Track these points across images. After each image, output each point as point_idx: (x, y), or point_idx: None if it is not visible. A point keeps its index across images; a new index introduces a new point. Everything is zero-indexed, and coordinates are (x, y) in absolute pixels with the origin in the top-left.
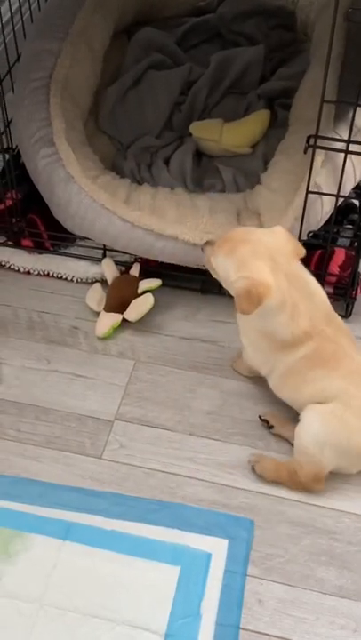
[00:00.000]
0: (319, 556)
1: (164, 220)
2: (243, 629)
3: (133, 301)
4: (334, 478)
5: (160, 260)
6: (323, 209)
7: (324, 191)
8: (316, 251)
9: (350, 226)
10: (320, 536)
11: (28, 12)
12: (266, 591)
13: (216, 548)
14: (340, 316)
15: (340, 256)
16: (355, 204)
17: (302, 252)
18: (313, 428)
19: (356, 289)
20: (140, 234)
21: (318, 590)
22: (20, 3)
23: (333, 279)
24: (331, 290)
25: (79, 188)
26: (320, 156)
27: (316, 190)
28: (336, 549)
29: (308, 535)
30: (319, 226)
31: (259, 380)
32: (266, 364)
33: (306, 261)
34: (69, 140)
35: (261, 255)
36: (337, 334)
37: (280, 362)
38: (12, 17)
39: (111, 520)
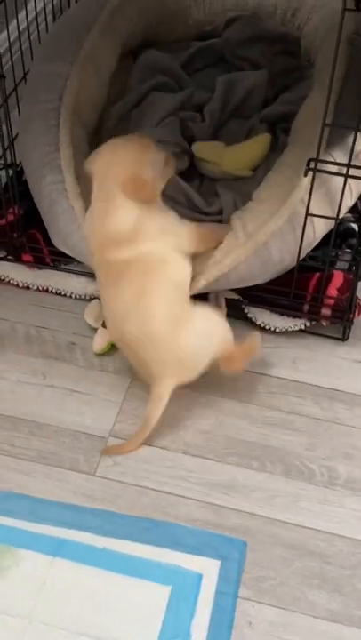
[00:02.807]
0: (311, 580)
1: None
2: None
3: None
4: (329, 502)
5: None
6: (315, 232)
7: (315, 213)
8: (314, 273)
9: (349, 250)
10: (313, 559)
11: (36, 32)
12: (257, 613)
13: (208, 568)
14: (338, 339)
15: (338, 279)
16: (353, 229)
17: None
18: None
19: (354, 312)
20: None
21: (310, 614)
22: (27, 22)
23: (331, 302)
24: (328, 312)
25: (79, 225)
26: (309, 178)
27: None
28: (329, 573)
29: (300, 558)
30: (312, 247)
31: (255, 400)
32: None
33: (304, 284)
34: (76, 166)
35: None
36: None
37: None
38: (19, 36)
39: (102, 538)
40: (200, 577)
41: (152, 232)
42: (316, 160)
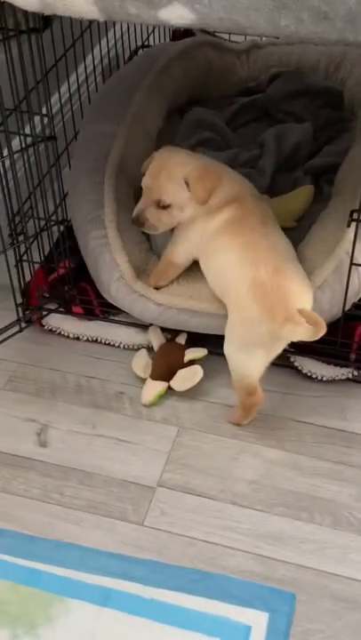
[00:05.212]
0: None
1: (195, 300)
2: None
3: (181, 371)
4: None
5: (198, 331)
6: (360, 280)
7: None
8: (360, 322)
9: None
10: None
11: (86, 93)
12: None
13: (256, 620)
14: None
15: None
16: None
17: None
18: (225, 346)
19: None
20: (173, 313)
21: None
22: (78, 84)
23: None
24: None
25: (120, 276)
26: (352, 228)
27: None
28: None
29: (351, 611)
30: (358, 297)
31: (303, 450)
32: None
33: (350, 332)
34: (120, 222)
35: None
36: (257, 205)
37: (202, 231)
38: (70, 97)
39: (150, 588)
40: (249, 629)
41: None
42: (360, 211)
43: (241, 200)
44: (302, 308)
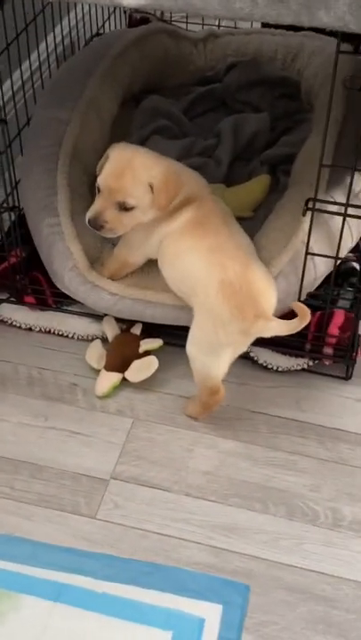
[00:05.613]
0: (316, 624)
1: (151, 290)
2: None
3: (135, 362)
4: (334, 544)
5: (154, 322)
6: (316, 270)
7: (316, 253)
8: (315, 312)
9: (351, 288)
10: (317, 603)
11: (40, 81)
12: None
13: (210, 613)
14: (341, 378)
15: (339, 318)
16: (355, 268)
17: None
18: (188, 346)
19: (357, 351)
20: (128, 303)
21: None
22: (31, 71)
23: (333, 340)
24: (331, 351)
25: (73, 265)
26: (308, 217)
27: (307, 252)
28: (334, 617)
29: (305, 602)
30: (314, 287)
31: (258, 441)
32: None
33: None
34: (73, 210)
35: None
36: (216, 204)
37: (163, 233)
38: (23, 84)
39: (103, 582)
40: (202, 622)
41: None
42: (315, 200)
43: (200, 199)
44: (272, 303)
